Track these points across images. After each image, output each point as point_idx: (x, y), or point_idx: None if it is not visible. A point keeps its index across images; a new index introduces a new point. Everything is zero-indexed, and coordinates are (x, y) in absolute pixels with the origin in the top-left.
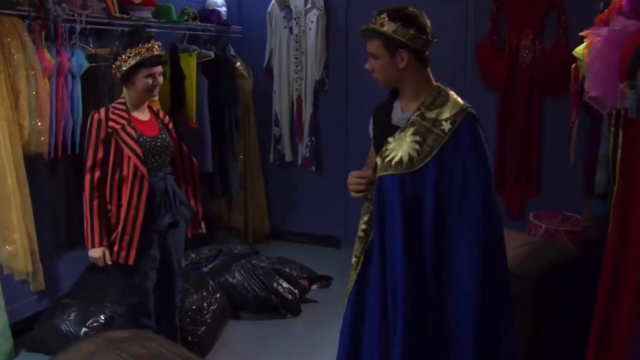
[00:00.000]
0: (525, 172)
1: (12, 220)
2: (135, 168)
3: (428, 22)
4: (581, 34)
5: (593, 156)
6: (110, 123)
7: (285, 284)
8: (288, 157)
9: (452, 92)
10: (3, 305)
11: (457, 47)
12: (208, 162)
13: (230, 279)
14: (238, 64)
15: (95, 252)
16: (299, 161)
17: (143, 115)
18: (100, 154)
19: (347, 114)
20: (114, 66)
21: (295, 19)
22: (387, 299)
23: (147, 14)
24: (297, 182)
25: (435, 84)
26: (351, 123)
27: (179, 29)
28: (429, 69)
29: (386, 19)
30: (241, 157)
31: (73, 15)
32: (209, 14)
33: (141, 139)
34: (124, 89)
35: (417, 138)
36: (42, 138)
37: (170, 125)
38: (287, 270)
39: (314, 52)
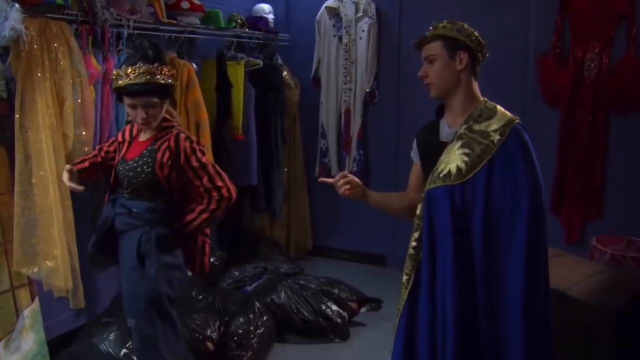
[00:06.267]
0: (587, 194)
1: (54, 235)
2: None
3: None
4: None
5: None
6: (120, 137)
7: (334, 307)
8: (334, 171)
9: (499, 106)
10: (41, 322)
11: (518, 61)
12: (253, 176)
13: (277, 300)
14: (285, 73)
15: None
16: None
17: (145, 135)
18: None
19: (397, 128)
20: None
21: (345, 28)
22: (437, 319)
23: (195, 20)
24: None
25: (482, 98)
26: (402, 138)
27: (226, 36)
28: (477, 84)
29: (448, 24)
30: (286, 170)
31: (121, 21)
32: (256, 22)
33: (120, 164)
34: None
35: (466, 150)
36: (87, 149)
37: (182, 154)
38: (336, 292)
39: (364, 63)
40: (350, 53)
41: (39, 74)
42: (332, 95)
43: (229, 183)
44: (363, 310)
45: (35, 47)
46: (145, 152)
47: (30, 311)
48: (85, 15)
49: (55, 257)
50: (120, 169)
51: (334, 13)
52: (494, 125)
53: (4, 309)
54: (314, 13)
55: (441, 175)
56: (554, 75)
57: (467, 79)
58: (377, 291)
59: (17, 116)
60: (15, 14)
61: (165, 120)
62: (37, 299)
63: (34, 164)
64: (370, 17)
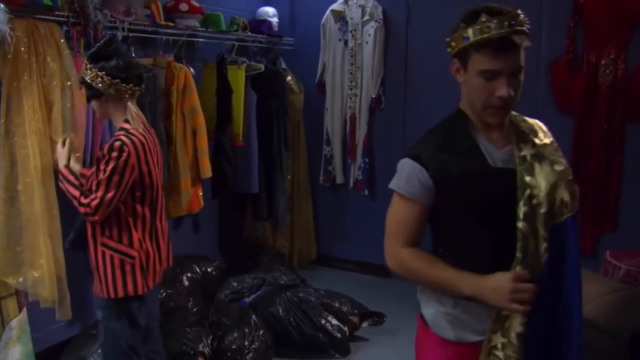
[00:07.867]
0: (601, 206)
1: (39, 244)
2: None
3: None
4: None
5: None
6: None
7: (334, 321)
8: (339, 179)
9: None
10: (29, 334)
11: (528, 66)
12: (254, 183)
13: (275, 313)
14: (289, 78)
15: None
16: (351, 184)
17: None
18: None
19: (404, 134)
20: None
21: (351, 31)
22: None
23: (194, 22)
24: (348, 206)
25: None
26: (409, 145)
27: (227, 39)
28: None
29: (521, 14)
30: (289, 177)
31: (115, 22)
32: (259, 24)
33: None
34: None
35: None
36: (77, 154)
37: None
38: (337, 305)
39: (370, 68)
40: (356, 57)
41: (26, 77)
42: (337, 101)
43: (93, 202)
44: (365, 324)
45: (22, 49)
46: None
47: (18, 322)
48: (77, 17)
49: (40, 266)
50: None
51: (340, 16)
52: (541, 134)
53: None
54: (319, 16)
55: (566, 202)
56: (566, 82)
57: None
58: (382, 303)
59: (2, 120)
60: None
61: (125, 121)
62: (24, 309)
63: (19, 170)
64: (376, 21)
